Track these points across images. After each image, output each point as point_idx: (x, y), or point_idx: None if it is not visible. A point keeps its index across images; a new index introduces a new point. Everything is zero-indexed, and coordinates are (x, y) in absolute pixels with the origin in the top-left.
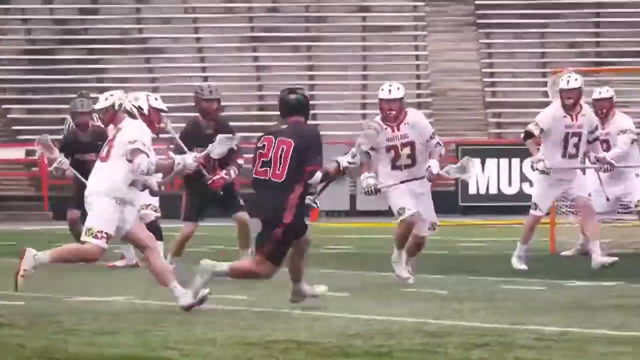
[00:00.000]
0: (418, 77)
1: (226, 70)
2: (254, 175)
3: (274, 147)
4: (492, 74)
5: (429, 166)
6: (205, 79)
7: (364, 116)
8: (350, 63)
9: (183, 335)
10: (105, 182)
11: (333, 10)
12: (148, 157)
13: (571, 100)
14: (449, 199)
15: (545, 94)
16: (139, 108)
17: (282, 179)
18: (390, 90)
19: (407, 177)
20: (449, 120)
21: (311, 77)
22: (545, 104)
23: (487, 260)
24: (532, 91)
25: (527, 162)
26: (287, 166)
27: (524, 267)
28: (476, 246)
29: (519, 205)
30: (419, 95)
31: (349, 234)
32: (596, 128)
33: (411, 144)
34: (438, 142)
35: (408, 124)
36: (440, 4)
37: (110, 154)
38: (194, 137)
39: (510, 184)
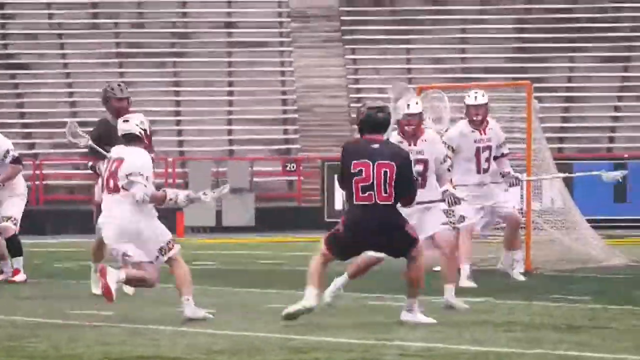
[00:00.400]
0: (284, 93)
1: (92, 86)
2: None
3: (373, 170)
4: (358, 90)
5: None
6: (71, 94)
7: (229, 132)
8: (216, 79)
9: (49, 351)
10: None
11: (199, 26)
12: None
13: (479, 117)
14: (315, 215)
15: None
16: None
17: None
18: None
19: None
20: (315, 136)
21: (177, 93)
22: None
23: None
24: None
25: None
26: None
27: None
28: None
29: None
30: (285, 112)
31: (213, 249)
32: (503, 143)
33: (425, 162)
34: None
35: (426, 140)
36: (306, 20)
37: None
38: (108, 137)
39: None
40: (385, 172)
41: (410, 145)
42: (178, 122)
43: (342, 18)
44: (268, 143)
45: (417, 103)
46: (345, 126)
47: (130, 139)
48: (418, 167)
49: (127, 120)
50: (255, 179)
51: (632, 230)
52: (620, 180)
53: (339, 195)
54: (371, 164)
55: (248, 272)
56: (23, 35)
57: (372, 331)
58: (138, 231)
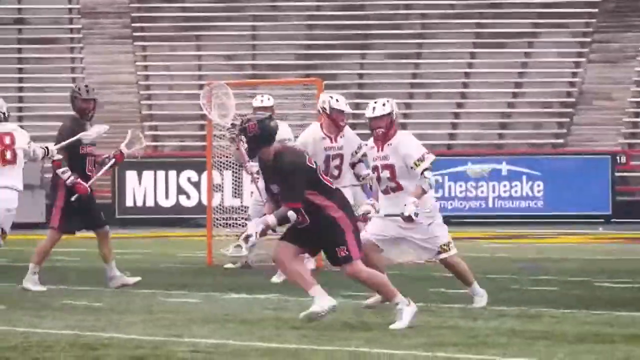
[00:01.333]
0: None
1: None
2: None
3: None
4: (148, 87)
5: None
6: None
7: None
8: (6, 75)
9: None
10: None
11: None
12: None
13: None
14: (106, 211)
15: (201, 107)
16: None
17: None
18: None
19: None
20: (105, 132)
21: None
22: (201, 116)
23: (144, 272)
24: (188, 104)
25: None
26: None
27: None
28: (134, 258)
29: (175, 217)
30: None
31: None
32: (359, 148)
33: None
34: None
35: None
36: (96, 17)
37: None
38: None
39: (167, 196)
40: None
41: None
42: None
43: (132, 15)
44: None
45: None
46: (135, 123)
47: None
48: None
49: None
50: (46, 175)
51: None
52: (486, 175)
53: (130, 192)
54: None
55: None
56: None
57: (163, 328)
58: None
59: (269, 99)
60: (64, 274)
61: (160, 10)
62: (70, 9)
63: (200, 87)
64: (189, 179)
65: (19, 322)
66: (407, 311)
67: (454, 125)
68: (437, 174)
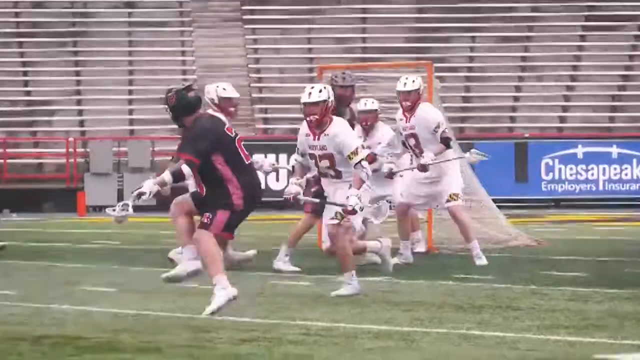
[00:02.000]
0: (184, 72)
1: None
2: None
3: None
4: (258, 70)
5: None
6: None
7: (130, 111)
8: (117, 58)
9: None
10: None
11: (98, 5)
12: None
13: (409, 103)
14: None
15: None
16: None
17: None
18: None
19: None
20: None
21: (77, 73)
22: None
23: (257, 255)
24: (299, 87)
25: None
26: None
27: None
28: (246, 241)
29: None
30: None
31: (116, 228)
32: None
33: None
34: None
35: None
36: (206, 0)
37: None
38: None
39: (277, 179)
40: None
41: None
42: (79, 102)
43: None
44: (168, 122)
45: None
46: (245, 105)
47: None
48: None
49: None
50: (155, 159)
51: (533, 210)
52: (486, 157)
53: None
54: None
55: (150, 251)
56: None
57: (275, 310)
58: None
59: (372, 103)
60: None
61: None
62: None
63: (310, 70)
64: None
65: (131, 304)
66: (221, 295)
67: (564, 108)
68: (548, 157)
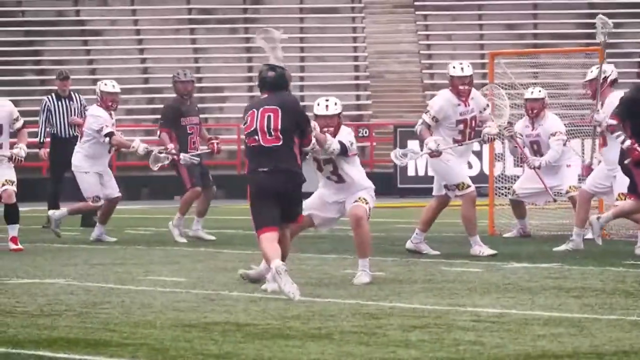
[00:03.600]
0: (356, 59)
1: (164, 52)
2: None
3: (257, 117)
4: (429, 56)
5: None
6: (143, 61)
7: (302, 98)
8: (288, 45)
9: (122, 317)
10: None
11: None
12: None
13: (466, 87)
14: (388, 181)
15: (483, 76)
16: None
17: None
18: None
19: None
20: (387, 102)
21: (249, 59)
22: (483, 85)
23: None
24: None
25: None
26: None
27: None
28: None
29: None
30: (356, 77)
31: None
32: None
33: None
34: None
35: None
36: None
37: None
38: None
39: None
40: (269, 117)
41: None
42: (250, 88)
43: None
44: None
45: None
46: (417, 92)
47: None
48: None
49: None
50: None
51: None
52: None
53: (412, 162)
54: (256, 111)
55: (321, 237)
56: (95, 1)
57: (445, 297)
58: None
59: (540, 91)
60: (346, 244)
61: None
62: None
63: (482, 56)
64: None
65: (301, 291)
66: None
67: None
68: None
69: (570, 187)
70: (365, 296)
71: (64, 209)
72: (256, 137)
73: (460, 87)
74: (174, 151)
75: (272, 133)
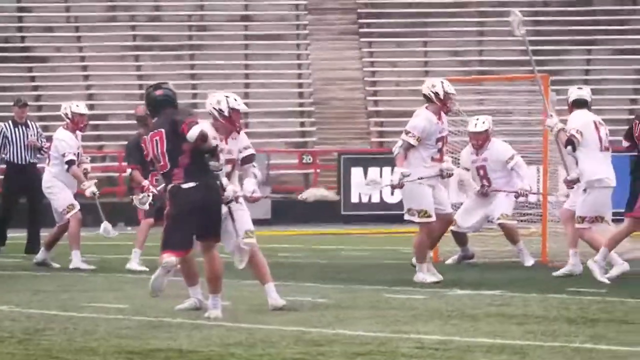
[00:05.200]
0: (300, 85)
1: (109, 78)
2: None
3: (149, 144)
4: (374, 83)
5: None
6: (89, 87)
7: (246, 124)
8: (233, 71)
9: (65, 344)
10: None
11: (215, 18)
12: None
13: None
14: (331, 208)
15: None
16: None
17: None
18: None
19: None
20: (331, 129)
21: (194, 86)
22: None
23: (369, 268)
24: (414, 100)
25: None
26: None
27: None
28: (358, 255)
29: (401, 213)
30: (301, 104)
31: None
32: None
33: None
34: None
35: None
36: (322, 13)
37: None
38: None
39: (392, 192)
40: (157, 141)
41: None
42: (196, 115)
43: (359, 11)
44: (284, 135)
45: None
46: (361, 119)
47: None
48: None
49: None
50: (271, 172)
51: None
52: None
53: (356, 189)
54: (147, 138)
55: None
56: (40, 28)
57: (388, 324)
58: None
59: (483, 123)
60: (289, 270)
61: (386, 6)
62: (296, 5)
63: None
64: None
65: (243, 318)
66: None
67: None
68: None
69: (501, 215)
70: (308, 323)
71: (42, 250)
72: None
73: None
74: (154, 190)
75: (161, 159)
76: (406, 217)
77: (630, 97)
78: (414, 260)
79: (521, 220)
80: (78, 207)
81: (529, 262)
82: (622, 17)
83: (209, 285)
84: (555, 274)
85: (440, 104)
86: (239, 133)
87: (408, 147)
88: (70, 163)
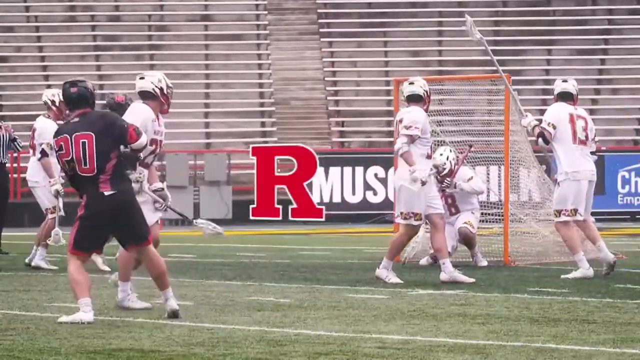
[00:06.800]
0: (261, 85)
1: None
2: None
3: (72, 144)
4: (335, 83)
5: None
6: (49, 87)
7: (206, 125)
8: (193, 72)
9: (27, 344)
10: None
11: (175, 19)
12: None
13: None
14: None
15: (388, 103)
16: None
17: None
18: None
19: None
20: (292, 129)
21: None
22: (388, 113)
23: (330, 268)
24: (375, 100)
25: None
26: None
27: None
28: (320, 255)
29: (362, 213)
30: (262, 104)
31: (190, 242)
32: None
33: None
34: None
35: None
36: (282, 13)
37: None
38: None
39: (354, 192)
40: (84, 143)
41: None
42: None
43: (319, 11)
44: (245, 135)
45: None
46: (322, 118)
47: None
48: None
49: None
50: (232, 172)
51: (609, 222)
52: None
53: (317, 188)
54: (69, 137)
55: (226, 264)
56: (0, 28)
57: (350, 324)
58: None
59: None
60: (250, 270)
61: (346, 6)
62: (256, 5)
63: (387, 83)
64: (375, 175)
65: (205, 318)
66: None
67: None
68: (624, 170)
69: (466, 222)
70: (270, 323)
71: (38, 249)
72: (74, 167)
73: None
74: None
75: (88, 163)
76: (399, 220)
77: (592, 97)
78: (442, 276)
79: (482, 220)
80: (62, 212)
81: (483, 262)
82: (581, 17)
83: (157, 283)
84: (564, 277)
85: (428, 103)
86: (166, 113)
87: (413, 141)
88: (43, 154)
